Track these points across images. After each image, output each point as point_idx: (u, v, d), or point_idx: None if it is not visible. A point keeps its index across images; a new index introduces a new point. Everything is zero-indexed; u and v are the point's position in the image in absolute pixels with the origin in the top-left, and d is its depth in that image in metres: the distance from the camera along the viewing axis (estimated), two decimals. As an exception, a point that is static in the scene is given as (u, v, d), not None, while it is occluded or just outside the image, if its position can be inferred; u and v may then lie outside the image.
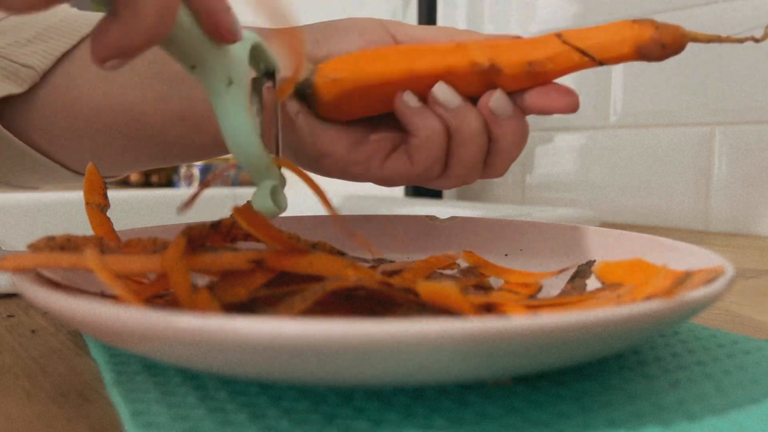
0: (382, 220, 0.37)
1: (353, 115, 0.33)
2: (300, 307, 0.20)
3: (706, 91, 0.66)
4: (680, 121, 0.68)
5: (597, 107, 0.75)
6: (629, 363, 0.22)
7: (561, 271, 0.31)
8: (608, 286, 0.27)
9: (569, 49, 0.30)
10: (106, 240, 0.25)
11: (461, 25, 0.90)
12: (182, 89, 0.36)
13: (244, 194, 0.97)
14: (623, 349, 0.20)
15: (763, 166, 0.62)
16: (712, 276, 0.22)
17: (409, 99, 0.31)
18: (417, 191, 0.85)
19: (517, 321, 0.15)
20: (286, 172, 0.30)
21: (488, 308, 0.23)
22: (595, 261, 0.31)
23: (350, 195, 0.88)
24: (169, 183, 1.36)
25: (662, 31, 0.29)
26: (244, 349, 0.15)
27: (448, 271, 0.32)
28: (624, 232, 0.31)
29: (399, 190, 0.99)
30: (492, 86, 0.31)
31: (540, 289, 0.30)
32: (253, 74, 0.30)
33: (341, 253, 0.30)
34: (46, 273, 0.23)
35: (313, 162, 0.34)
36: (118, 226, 0.29)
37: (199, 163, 1.24)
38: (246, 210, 0.23)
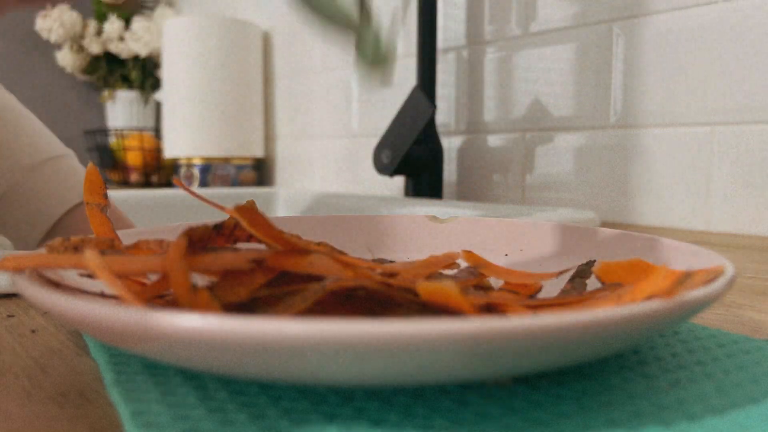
0: (382, 220, 0.37)
1: None
2: (300, 307, 0.20)
3: (706, 91, 0.66)
4: (680, 121, 0.68)
5: (597, 107, 0.75)
6: (629, 363, 0.22)
7: (561, 273, 0.31)
8: (608, 286, 0.27)
9: None
10: (117, 242, 0.25)
11: (461, 24, 0.90)
12: None
13: (244, 194, 0.97)
14: (623, 349, 0.20)
15: (763, 166, 0.62)
16: (712, 276, 0.22)
17: None
18: (417, 191, 0.85)
19: (517, 321, 0.15)
20: None
21: (488, 308, 0.23)
22: (595, 261, 0.31)
23: (350, 195, 0.88)
24: (169, 183, 1.36)
25: None
26: (244, 349, 0.15)
27: (448, 271, 0.32)
28: (624, 232, 0.31)
29: (399, 190, 0.99)
30: None
31: (540, 289, 0.30)
32: None
33: (341, 253, 0.30)
34: (50, 274, 0.23)
35: None
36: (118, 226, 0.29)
37: (198, 163, 1.24)
38: (247, 209, 0.23)
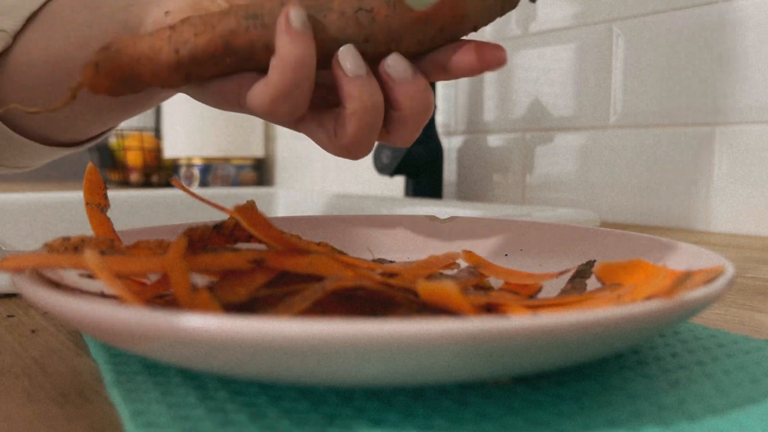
0: (382, 220, 0.37)
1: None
2: (300, 307, 0.20)
3: (706, 91, 0.66)
4: (680, 121, 0.68)
5: (597, 107, 0.75)
6: (629, 363, 0.22)
7: (561, 273, 0.31)
8: (608, 286, 0.27)
9: None
10: (117, 242, 0.25)
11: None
12: None
13: (244, 194, 0.97)
14: (623, 349, 0.20)
15: (763, 166, 0.62)
16: (712, 276, 0.22)
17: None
18: (417, 191, 0.85)
19: (517, 321, 0.15)
20: None
21: (488, 308, 0.23)
22: (595, 261, 0.31)
23: (350, 195, 0.88)
24: (169, 183, 1.36)
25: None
26: (244, 349, 0.15)
27: (448, 271, 0.32)
28: (624, 232, 0.31)
29: (399, 190, 0.99)
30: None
31: (540, 289, 0.30)
32: None
33: (342, 253, 0.30)
34: (49, 274, 0.23)
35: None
36: (118, 226, 0.29)
37: (199, 163, 1.24)
38: (247, 209, 0.23)
